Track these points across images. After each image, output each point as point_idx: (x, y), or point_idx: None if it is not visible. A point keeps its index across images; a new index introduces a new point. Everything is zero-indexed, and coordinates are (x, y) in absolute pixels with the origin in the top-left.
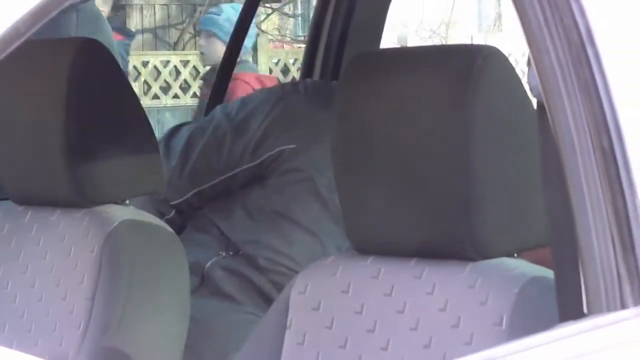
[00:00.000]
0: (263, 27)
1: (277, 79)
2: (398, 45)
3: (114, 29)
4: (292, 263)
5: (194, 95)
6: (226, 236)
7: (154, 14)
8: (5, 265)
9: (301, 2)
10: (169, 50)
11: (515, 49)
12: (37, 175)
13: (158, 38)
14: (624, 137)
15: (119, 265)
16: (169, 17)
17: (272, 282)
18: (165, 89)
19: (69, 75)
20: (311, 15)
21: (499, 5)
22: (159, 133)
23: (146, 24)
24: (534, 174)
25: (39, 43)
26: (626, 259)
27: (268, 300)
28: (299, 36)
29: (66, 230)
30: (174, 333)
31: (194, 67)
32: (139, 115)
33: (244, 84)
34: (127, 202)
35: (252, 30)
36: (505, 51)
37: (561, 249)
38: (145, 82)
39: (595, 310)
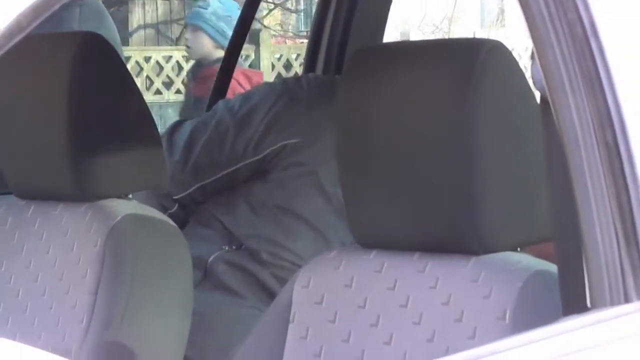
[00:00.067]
0: (265, 22)
1: (262, 73)
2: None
3: None
4: (295, 257)
5: None
6: (229, 230)
7: (156, 9)
8: (8, 259)
9: None
10: (171, 45)
11: (518, 44)
12: (39, 170)
13: (160, 33)
14: (628, 131)
15: (122, 259)
16: (171, 12)
17: (275, 276)
18: (168, 84)
19: (71, 69)
20: (313, 10)
21: (502, 0)
22: (161, 128)
23: (148, 20)
24: (538, 168)
25: (41, 37)
26: (630, 253)
27: (271, 295)
28: (302, 31)
29: (69, 224)
30: (176, 327)
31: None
32: (142, 110)
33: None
34: (130, 196)
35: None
36: (508, 46)
37: (565, 243)
38: (148, 77)
39: (598, 304)
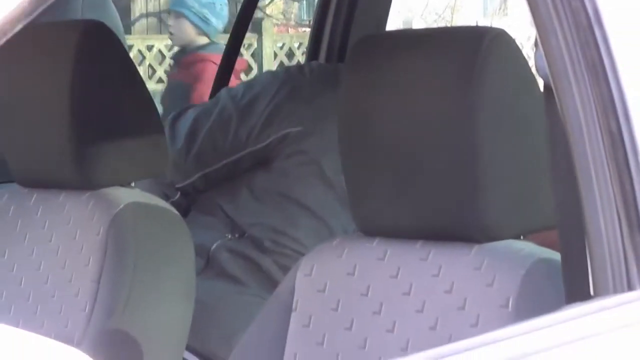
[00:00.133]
0: (268, 11)
1: (247, 61)
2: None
3: None
4: (297, 245)
5: None
6: (232, 219)
7: None
8: (11, 247)
9: None
10: None
11: (520, 33)
12: (42, 158)
13: (163, 22)
14: (631, 119)
15: (124, 247)
16: None
17: (278, 264)
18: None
19: (74, 57)
20: None
21: None
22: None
23: (151, 8)
24: (541, 156)
25: (44, 26)
26: (633, 240)
27: (274, 283)
28: (304, 20)
29: (72, 212)
30: (179, 315)
31: None
32: (145, 99)
33: (212, 65)
34: (133, 184)
35: (223, 11)
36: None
37: (568, 231)
38: (150, 65)
39: (601, 292)
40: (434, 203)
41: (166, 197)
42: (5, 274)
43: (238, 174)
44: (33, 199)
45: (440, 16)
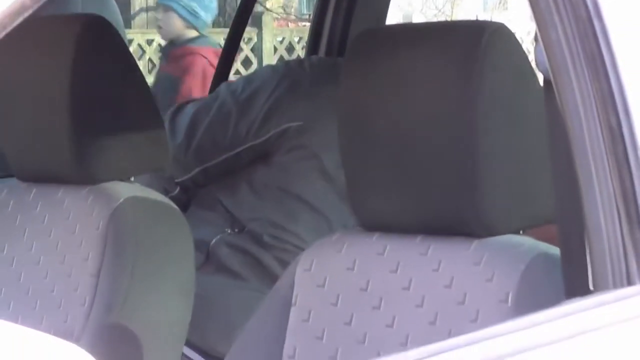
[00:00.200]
0: (267, 5)
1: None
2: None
3: None
4: (297, 240)
5: None
6: (231, 213)
7: None
8: (10, 242)
9: None
10: None
11: (520, 27)
12: (42, 152)
13: None
14: (631, 113)
15: (123, 242)
16: None
17: (278, 259)
18: None
19: (74, 51)
20: None
21: None
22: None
23: (150, 2)
24: (541, 151)
25: (44, 20)
26: (633, 235)
27: (273, 277)
28: (304, 14)
29: (71, 207)
30: (179, 310)
31: None
32: (145, 93)
33: (201, 58)
34: (132, 179)
35: (212, 4)
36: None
37: (567, 225)
38: (150, 60)
39: (601, 286)
40: (434, 197)
41: (166, 192)
42: (5, 269)
43: (238, 169)
44: (32, 193)
45: (440, 10)
